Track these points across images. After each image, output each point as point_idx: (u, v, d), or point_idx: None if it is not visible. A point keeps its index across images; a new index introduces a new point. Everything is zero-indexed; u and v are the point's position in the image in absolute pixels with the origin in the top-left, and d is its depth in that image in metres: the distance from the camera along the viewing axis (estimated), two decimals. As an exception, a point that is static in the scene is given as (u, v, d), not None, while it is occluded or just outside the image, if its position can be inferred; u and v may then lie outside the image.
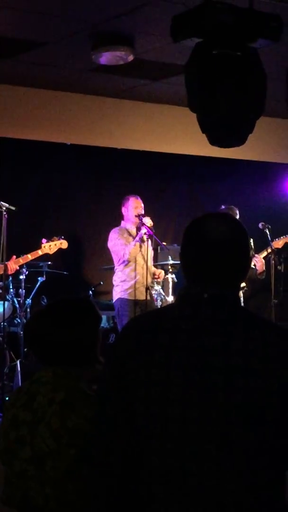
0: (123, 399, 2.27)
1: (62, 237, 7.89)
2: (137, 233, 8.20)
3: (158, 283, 8.73)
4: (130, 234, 8.27)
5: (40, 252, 7.64)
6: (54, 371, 2.73)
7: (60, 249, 8.02)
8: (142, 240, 8.15)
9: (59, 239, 7.81)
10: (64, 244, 7.85)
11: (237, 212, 8.55)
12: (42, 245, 7.67)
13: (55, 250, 7.80)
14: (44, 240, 7.71)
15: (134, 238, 8.16)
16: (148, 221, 8.13)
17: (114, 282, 8.36)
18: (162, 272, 8.56)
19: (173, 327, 2.26)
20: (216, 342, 2.20)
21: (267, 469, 2.17)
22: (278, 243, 8.83)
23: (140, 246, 8.18)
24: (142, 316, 2.54)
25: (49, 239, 7.78)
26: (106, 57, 7.51)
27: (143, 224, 8.13)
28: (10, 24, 7.06)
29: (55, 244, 7.76)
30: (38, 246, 7.74)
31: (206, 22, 4.75)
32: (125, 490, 2.27)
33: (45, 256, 7.93)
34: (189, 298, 2.30)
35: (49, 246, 7.69)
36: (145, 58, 7.92)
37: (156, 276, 8.46)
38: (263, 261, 8.59)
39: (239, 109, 4.64)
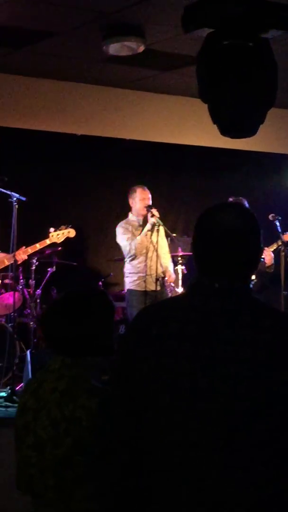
0: (133, 389, 2.27)
1: (70, 225, 7.85)
2: (143, 226, 8.18)
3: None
4: (135, 227, 8.25)
5: (48, 241, 7.62)
6: (63, 360, 2.74)
7: (69, 240, 8.01)
8: (152, 231, 8.13)
9: (66, 228, 7.78)
10: (71, 232, 7.81)
11: (246, 204, 8.52)
12: (50, 234, 7.64)
13: (63, 239, 7.76)
14: (51, 229, 7.69)
15: (141, 230, 8.15)
16: (155, 212, 8.10)
17: (124, 273, 8.38)
18: (173, 277, 8.51)
19: (183, 318, 2.26)
20: (225, 333, 2.20)
21: (273, 461, 2.17)
22: (288, 236, 8.80)
23: (149, 237, 8.16)
24: (152, 306, 2.54)
25: (57, 228, 7.76)
26: (117, 48, 7.50)
27: (152, 215, 8.10)
28: (20, 14, 7.05)
29: (63, 233, 7.73)
30: (46, 235, 7.74)
31: (218, 12, 4.74)
32: (132, 481, 2.27)
33: (55, 246, 7.91)
34: (199, 289, 2.30)
35: (57, 235, 7.67)
36: (155, 49, 7.90)
37: (166, 279, 8.42)
38: (272, 254, 8.55)
39: (250, 100, 4.64)
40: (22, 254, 7.22)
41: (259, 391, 2.14)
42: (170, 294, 8.53)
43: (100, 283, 9.12)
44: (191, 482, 2.17)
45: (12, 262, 7.24)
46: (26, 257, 7.34)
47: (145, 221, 8.23)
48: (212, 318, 2.22)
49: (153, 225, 8.09)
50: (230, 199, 8.63)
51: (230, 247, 2.28)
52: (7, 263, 7.26)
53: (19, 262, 7.22)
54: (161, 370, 2.23)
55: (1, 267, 7.31)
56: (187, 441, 2.18)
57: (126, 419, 2.28)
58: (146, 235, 8.12)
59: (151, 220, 8.10)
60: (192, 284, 2.34)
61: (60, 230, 7.72)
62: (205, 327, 2.22)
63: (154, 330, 2.27)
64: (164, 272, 8.34)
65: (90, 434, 2.53)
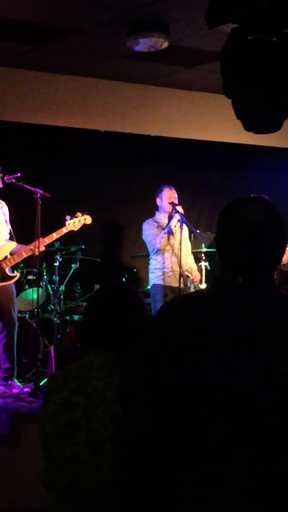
0: (155, 382, 2.28)
1: (86, 212, 7.77)
2: (168, 222, 8.25)
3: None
4: (162, 225, 8.32)
5: (64, 230, 7.52)
6: (106, 356, 2.74)
7: (93, 236, 8.00)
8: (176, 227, 8.18)
9: (82, 215, 7.70)
10: (88, 219, 7.71)
11: None
12: (66, 223, 7.55)
13: (80, 226, 7.64)
14: (68, 217, 7.60)
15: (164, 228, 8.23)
16: (180, 209, 8.16)
17: (149, 270, 8.46)
18: (198, 276, 8.55)
19: (207, 311, 2.26)
20: (249, 326, 2.20)
21: None
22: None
23: (172, 235, 8.22)
24: (176, 300, 2.55)
25: (73, 215, 7.67)
26: (141, 44, 7.50)
27: (176, 211, 8.15)
28: (45, 11, 7.08)
29: (79, 220, 7.64)
30: (63, 225, 7.65)
31: (241, 7, 4.72)
32: (157, 472, 2.28)
33: (79, 241, 7.85)
34: (223, 282, 2.30)
35: (73, 223, 7.58)
36: (179, 45, 7.89)
37: (192, 279, 8.47)
38: None
39: (274, 95, 4.62)
40: (40, 246, 7.19)
41: (284, 384, 2.14)
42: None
43: (124, 279, 9.12)
44: (214, 473, 2.18)
45: (30, 254, 7.22)
46: (43, 248, 7.30)
47: (169, 219, 8.30)
48: (236, 312, 2.23)
49: (177, 221, 8.15)
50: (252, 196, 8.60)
51: (253, 240, 2.29)
52: (25, 255, 7.24)
53: (37, 254, 7.18)
54: (185, 364, 2.23)
55: (21, 259, 7.29)
56: (210, 435, 2.19)
57: (147, 412, 2.29)
58: (171, 231, 8.18)
59: (176, 216, 8.16)
60: (216, 278, 2.35)
61: (76, 217, 7.64)
62: (229, 320, 2.22)
63: (178, 324, 2.28)
64: (188, 271, 8.39)
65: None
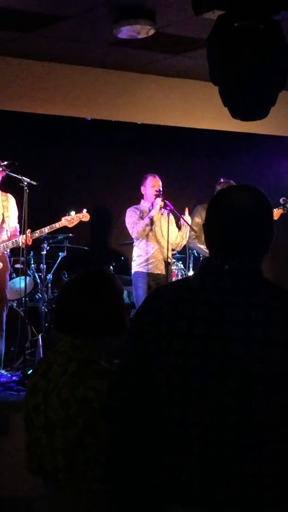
0: (145, 369, 2.29)
1: (85, 210, 7.78)
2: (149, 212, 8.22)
3: (179, 258, 8.76)
4: (144, 212, 8.30)
5: (57, 225, 7.52)
6: (72, 342, 2.75)
7: (80, 225, 7.97)
8: (165, 214, 8.16)
9: (81, 212, 7.71)
10: (85, 217, 7.73)
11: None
12: (63, 218, 7.56)
13: (76, 223, 7.67)
14: (68, 214, 7.60)
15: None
16: (158, 201, 8.13)
17: (132, 257, 8.43)
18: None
19: (194, 298, 2.27)
20: (237, 313, 2.21)
21: (287, 440, 2.18)
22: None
23: (154, 222, 8.18)
24: (163, 287, 2.56)
25: (69, 213, 7.65)
26: (127, 31, 7.47)
27: (158, 196, 8.14)
28: (30, -2, 7.03)
29: (78, 217, 7.66)
30: (58, 219, 7.65)
31: (228, -6, 4.71)
32: (147, 459, 2.29)
33: (66, 229, 7.85)
34: (210, 270, 2.31)
35: (68, 220, 7.58)
36: (166, 32, 7.86)
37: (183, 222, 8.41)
38: None
39: (261, 82, 4.62)
40: (28, 238, 7.16)
41: (272, 370, 2.16)
42: (176, 278, 8.57)
43: (111, 267, 9.12)
44: (205, 460, 2.19)
45: (16, 245, 7.21)
46: (30, 241, 7.26)
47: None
48: (224, 299, 2.24)
49: (160, 208, 8.13)
50: (221, 180, 8.61)
51: (242, 228, 2.30)
52: (10, 246, 7.23)
53: (23, 247, 7.16)
54: (173, 350, 2.24)
55: (5, 250, 7.29)
56: (200, 421, 2.20)
57: (138, 399, 2.29)
58: (153, 218, 8.15)
59: (158, 204, 8.12)
60: (203, 265, 2.35)
61: (74, 214, 7.63)
62: (217, 307, 2.23)
63: (165, 311, 2.29)
64: (174, 249, 8.36)
65: (101, 416, 2.54)
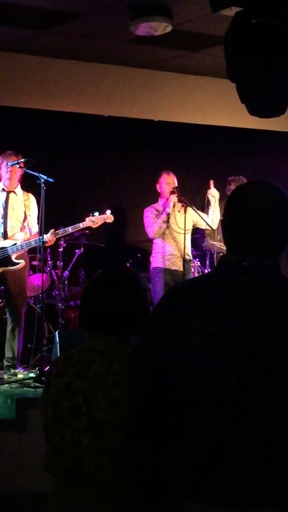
0: (161, 366, 2.28)
1: (110, 211, 7.72)
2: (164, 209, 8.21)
3: (196, 256, 8.76)
4: (161, 212, 8.28)
5: (81, 226, 7.50)
6: (107, 340, 2.74)
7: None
8: (183, 212, 8.14)
9: (106, 214, 7.65)
10: (109, 218, 7.66)
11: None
12: (87, 219, 7.51)
13: (100, 224, 7.62)
14: (90, 214, 7.58)
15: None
16: (173, 198, 8.12)
17: (152, 254, 8.44)
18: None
19: (211, 296, 2.26)
20: (254, 311, 2.21)
21: None
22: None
23: (170, 219, 8.17)
24: (181, 284, 2.55)
25: (98, 213, 7.60)
26: (144, 28, 7.46)
27: (173, 192, 8.13)
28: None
29: (102, 218, 7.61)
30: (77, 218, 7.62)
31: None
32: (162, 457, 2.29)
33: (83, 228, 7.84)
34: (228, 267, 2.30)
35: (92, 221, 7.54)
36: (183, 29, 7.85)
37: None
38: None
39: (279, 79, 4.60)
40: (51, 237, 7.20)
41: None
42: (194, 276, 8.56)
43: (128, 264, 9.12)
44: (221, 458, 2.19)
45: (39, 244, 7.25)
46: (54, 241, 7.32)
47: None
48: (241, 296, 2.23)
49: (174, 205, 8.11)
50: (230, 178, 8.61)
51: (259, 224, 2.29)
52: (33, 244, 7.28)
53: (47, 245, 7.24)
54: (189, 348, 2.24)
55: (28, 248, 7.34)
56: (216, 418, 2.19)
57: (154, 397, 2.29)
58: (169, 216, 8.14)
59: (171, 202, 8.11)
60: (221, 262, 2.35)
61: (98, 215, 7.59)
62: (234, 305, 2.23)
63: (182, 309, 2.28)
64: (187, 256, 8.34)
65: None
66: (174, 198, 8.15)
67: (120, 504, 2.57)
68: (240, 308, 2.22)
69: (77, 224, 7.45)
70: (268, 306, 2.20)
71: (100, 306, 2.79)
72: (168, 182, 8.30)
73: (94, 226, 7.58)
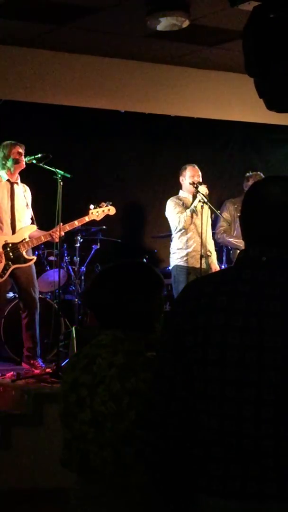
0: (181, 361, 2.28)
1: (110, 203, 7.78)
2: (192, 202, 8.19)
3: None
4: (185, 203, 8.26)
5: (87, 219, 7.54)
6: (114, 334, 2.73)
7: (113, 217, 7.98)
8: (200, 207, 8.12)
9: (106, 205, 7.72)
10: (111, 210, 7.72)
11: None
12: (90, 211, 7.58)
13: (102, 216, 7.66)
14: (91, 206, 7.63)
15: (189, 207, 8.16)
16: (203, 189, 8.10)
17: (171, 250, 8.40)
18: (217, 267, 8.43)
19: (231, 290, 2.27)
20: (274, 305, 2.21)
21: None
22: None
23: (196, 214, 8.16)
24: (201, 279, 2.55)
25: (97, 205, 7.69)
26: (161, 23, 7.44)
27: (197, 191, 8.09)
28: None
29: (103, 211, 7.65)
30: (87, 212, 7.67)
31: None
32: (182, 451, 2.29)
33: (99, 222, 7.87)
34: (247, 262, 2.31)
35: (96, 212, 7.61)
36: (200, 24, 7.82)
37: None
38: None
39: (297, 73, 4.57)
40: (60, 231, 7.21)
41: None
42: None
43: (145, 260, 9.11)
44: (241, 453, 2.19)
45: (49, 239, 7.27)
46: (63, 234, 7.32)
47: (195, 198, 8.23)
48: (261, 291, 2.24)
49: (200, 201, 8.09)
50: (248, 174, 8.58)
51: (278, 218, 2.31)
52: (43, 239, 7.30)
53: (56, 240, 7.22)
54: (209, 343, 2.24)
55: (39, 243, 7.36)
56: (237, 413, 2.19)
57: (174, 391, 2.29)
58: (195, 211, 8.12)
59: (199, 195, 8.09)
60: (240, 257, 2.35)
61: (100, 207, 7.66)
62: (254, 299, 2.23)
63: (202, 303, 2.28)
64: (209, 252, 8.29)
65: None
66: (205, 189, 8.10)
67: (129, 498, 2.57)
68: (260, 303, 2.22)
69: (82, 218, 7.48)
70: None
71: (104, 299, 2.78)
72: (193, 174, 8.26)
73: (98, 219, 7.62)
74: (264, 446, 2.17)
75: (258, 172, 8.59)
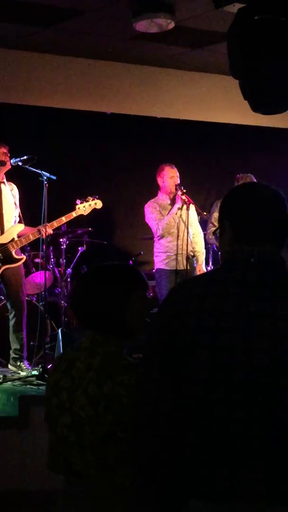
0: (169, 362, 2.28)
1: (97, 196, 7.74)
2: (172, 205, 8.12)
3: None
4: (164, 206, 8.18)
5: (74, 214, 7.49)
6: (93, 337, 2.72)
7: (99, 219, 7.97)
8: (181, 210, 8.08)
9: (93, 199, 7.67)
10: (98, 203, 7.66)
11: (254, 179, 8.38)
12: (76, 207, 7.54)
13: (90, 210, 7.60)
14: (78, 201, 7.59)
15: (169, 209, 8.10)
16: (180, 195, 8.04)
17: (154, 253, 8.36)
18: (203, 269, 8.41)
19: (220, 292, 2.27)
20: (263, 307, 2.21)
21: None
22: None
23: (175, 219, 8.11)
24: (189, 281, 2.55)
25: (84, 199, 7.65)
26: (146, 25, 7.44)
27: (183, 193, 8.04)
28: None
29: (90, 205, 7.61)
30: (73, 209, 7.63)
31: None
32: (171, 454, 2.29)
33: (86, 224, 7.85)
34: (236, 263, 2.31)
35: (83, 207, 7.57)
36: (185, 26, 7.84)
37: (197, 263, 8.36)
38: None
39: (282, 75, 4.59)
40: (48, 228, 7.18)
41: None
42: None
43: (131, 262, 9.12)
44: (230, 455, 2.18)
45: (37, 237, 7.22)
46: (51, 231, 7.29)
47: (174, 200, 8.16)
48: (250, 292, 2.24)
49: (183, 204, 8.04)
50: (238, 176, 8.58)
51: (268, 217, 2.34)
52: (32, 238, 7.25)
53: (44, 237, 7.17)
54: (198, 344, 2.24)
55: (28, 241, 7.31)
56: (225, 414, 2.19)
57: (161, 393, 2.29)
58: (176, 213, 8.08)
59: (178, 202, 8.04)
60: (228, 258, 2.35)
61: (86, 201, 7.62)
62: (243, 301, 2.23)
63: (191, 305, 2.28)
64: (194, 251, 8.25)
65: (131, 410, 2.51)
66: (182, 196, 8.03)
67: (114, 500, 2.57)
68: (249, 304, 2.23)
69: (69, 214, 7.44)
70: (278, 302, 2.22)
71: (79, 302, 2.78)
72: (172, 175, 8.17)
73: (85, 213, 7.57)
74: (253, 447, 2.17)
75: (249, 174, 8.57)
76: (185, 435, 2.27)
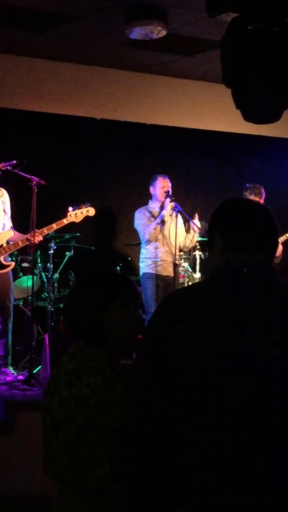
0: (160, 369, 2.29)
1: (89, 204, 7.71)
2: (160, 212, 8.20)
3: (186, 260, 8.76)
4: (154, 214, 8.27)
5: (65, 221, 7.44)
6: (77, 341, 2.76)
7: (87, 225, 7.95)
8: (174, 216, 8.14)
9: (86, 207, 7.64)
10: (91, 211, 7.63)
11: (263, 190, 8.43)
12: (68, 214, 7.50)
13: (82, 218, 7.59)
14: (70, 208, 7.55)
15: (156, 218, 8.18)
16: (168, 202, 8.11)
17: (140, 259, 8.42)
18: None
19: (212, 300, 2.28)
20: (255, 315, 2.23)
21: None
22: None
23: (165, 224, 8.19)
24: (181, 290, 2.56)
25: (76, 206, 7.61)
26: (139, 32, 7.46)
27: (172, 200, 8.11)
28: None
29: (82, 212, 7.58)
30: (65, 216, 7.60)
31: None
32: (160, 463, 2.28)
33: (74, 229, 7.82)
34: (228, 271, 2.33)
35: (75, 215, 7.54)
36: (178, 33, 7.85)
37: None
38: (281, 246, 8.38)
39: (274, 85, 4.60)
40: (38, 236, 7.16)
41: None
42: (186, 280, 8.56)
43: (118, 267, 9.12)
44: (220, 463, 2.18)
45: (26, 243, 7.20)
46: (41, 238, 7.25)
47: (163, 208, 8.24)
48: (242, 300, 2.26)
49: (172, 212, 8.11)
50: (247, 185, 8.58)
51: (260, 227, 2.38)
52: (21, 244, 7.22)
53: (32, 246, 7.15)
54: (190, 351, 2.25)
55: (16, 248, 7.28)
56: (216, 422, 2.19)
57: (152, 400, 2.29)
58: (163, 220, 8.14)
59: (169, 206, 8.11)
60: (219, 267, 2.37)
61: (79, 209, 7.60)
62: (235, 309, 2.25)
63: (183, 313, 2.30)
64: (181, 250, 8.35)
65: (98, 412, 2.52)
66: (170, 203, 8.13)
67: (93, 503, 2.58)
68: (241, 312, 2.24)
69: (60, 220, 7.41)
70: (269, 310, 2.24)
71: (67, 308, 2.85)
72: (163, 185, 8.25)
73: (77, 221, 7.54)
74: (243, 455, 2.17)
75: (257, 185, 8.55)
76: (175, 443, 2.26)
